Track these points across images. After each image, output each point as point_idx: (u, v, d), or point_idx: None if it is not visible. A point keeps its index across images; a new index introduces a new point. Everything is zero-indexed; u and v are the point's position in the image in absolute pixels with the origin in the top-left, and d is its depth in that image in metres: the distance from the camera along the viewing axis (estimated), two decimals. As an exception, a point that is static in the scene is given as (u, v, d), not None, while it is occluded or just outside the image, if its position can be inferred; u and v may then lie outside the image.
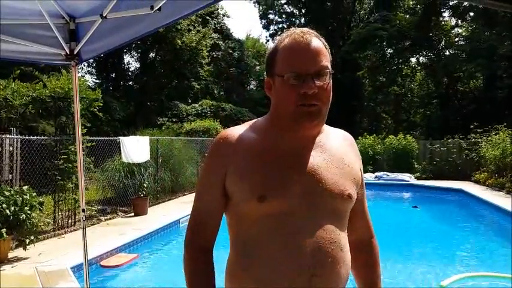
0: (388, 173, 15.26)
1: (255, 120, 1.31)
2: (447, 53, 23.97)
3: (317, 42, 1.18)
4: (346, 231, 1.23)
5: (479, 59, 19.60)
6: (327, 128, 1.30)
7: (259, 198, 1.12)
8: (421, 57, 25.82)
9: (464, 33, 23.93)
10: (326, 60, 1.18)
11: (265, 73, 1.28)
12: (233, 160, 1.18)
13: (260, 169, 1.16)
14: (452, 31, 24.41)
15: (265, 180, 1.14)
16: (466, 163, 15.59)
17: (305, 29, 1.21)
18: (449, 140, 16.33)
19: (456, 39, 24.16)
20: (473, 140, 15.34)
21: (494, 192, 11.85)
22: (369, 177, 15.27)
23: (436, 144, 16.73)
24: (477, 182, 14.08)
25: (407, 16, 24.42)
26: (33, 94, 7.78)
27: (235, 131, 1.24)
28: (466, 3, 20.03)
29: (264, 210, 1.13)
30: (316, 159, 1.20)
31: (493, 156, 13.04)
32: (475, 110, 20.99)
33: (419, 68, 26.43)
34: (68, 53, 2.87)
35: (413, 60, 26.30)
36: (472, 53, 19.97)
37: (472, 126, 15.17)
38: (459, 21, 24.06)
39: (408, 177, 14.87)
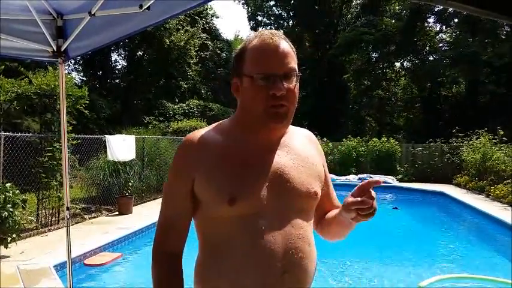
0: (371, 175, 15.41)
1: (219, 122, 1.31)
2: (431, 58, 24.38)
3: (285, 44, 1.19)
4: (311, 225, 1.27)
5: (462, 65, 19.98)
6: (290, 128, 1.31)
7: (229, 202, 1.12)
8: (406, 62, 26.21)
9: (448, 39, 24.37)
10: (294, 63, 1.19)
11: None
12: (201, 164, 1.18)
13: (228, 172, 1.16)
14: (437, 37, 24.84)
15: (234, 182, 1.15)
16: (447, 166, 15.86)
17: (274, 31, 1.22)
18: (432, 144, 16.59)
19: (440, 44, 24.58)
20: (454, 144, 15.61)
21: (474, 196, 12.09)
22: (353, 178, 15.42)
23: (418, 148, 16.98)
24: (458, 185, 14.34)
25: (393, 21, 24.77)
26: (18, 90, 7.69)
27: (201, 134, 1.23)
28: (450, 8, 20.43)
29: (233, 212, 1.13)
30: (282, 159, 1.22)
31: (474, 160, 13.31)
32: (457, 114, 21.41)
33: (403, 72, 26.80)
34: (55, 50, 2.85)
35: (398, 64, 26.69)
36: (456, 59, 20.33)
37: (454, 131, 15.45)
38: (443, 27, 24.50)
39: (391, 180, 15.05)
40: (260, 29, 31.28)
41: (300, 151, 1.27)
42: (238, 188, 1.14)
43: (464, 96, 22.39)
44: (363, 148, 17.16)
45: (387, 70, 26.30)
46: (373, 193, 1.15)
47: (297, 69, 1.20)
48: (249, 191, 1.15)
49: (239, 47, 1.27)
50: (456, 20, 22.74)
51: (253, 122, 1.20)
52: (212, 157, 1.18)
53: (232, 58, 1.30)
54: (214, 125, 1.30)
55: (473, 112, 20.02)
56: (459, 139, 15.22)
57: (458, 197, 11.86)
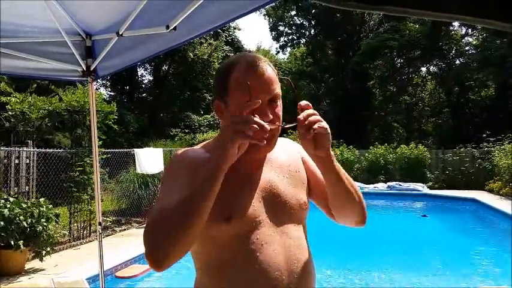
0: (400, 183, 15.15)
1: (205, 142, 1.32)
2: (458, 62, 23.88)
3: (270, 70, 1.19)
4: (305, 232, 1.28)
5: (491, 68, 19.51)
6: None
7: (226, 219, 1.13)
8: (432, 67, 25.73)
9: (474, 42, 23.84)
10: (278, 88, 1.20)
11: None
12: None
13: (223, 190, 1.11)
14: (463, 40, 24.33)
15: (228, 200, 1.15)
16: (479, 172, 15.43)
17: (258, 56, 1.23)
18: (462, 149, 16.20)
19: (467, 48, 24.06)
20: (486, 149, 15.20)
21: (508, 202, 11.69)
22: (381, 187, 15.19)
23: (448, 154, 16.61)
24: (491, 191, 13.91)
25: (417, 26, 24.40)
26: (50, 107, 7.97)
27: (192, 150, 1.25)
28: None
29: (231, 231, 1.14)
30: (269, 175, 1.24)
31: (507, 165, 12.91)
32: (487, 118, 20.85)
33: (429, 77, 26.32)
34: (85, 69, 2.93)
35: (424, 69, 26.22)
36: (483, 62, 19.86)
37: (484, 135, 15.07)
38: (469, 30, 24.00)
39: (421, 187, 14.74)
40: (282, 39, 31.40)
41: (281, 162, 1.30)
42: (233, 206, 1.15)
43: (494, 100, 21.78)
44: (391, 155, 16.87)
45: (413, 75, 25.90)
46: (307, 111, 1.14)
47: (280, 92, 1.21)
48: (243, 208, 1.16)
49: (221, 68, 1.25)
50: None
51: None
52: None
53: (215, 80, 1.26)
54: (201, 144, 1.31)
55: (503, 115, 19.43)
56: (490, 144, 14.84)
57: (491, 203, 11.52)
